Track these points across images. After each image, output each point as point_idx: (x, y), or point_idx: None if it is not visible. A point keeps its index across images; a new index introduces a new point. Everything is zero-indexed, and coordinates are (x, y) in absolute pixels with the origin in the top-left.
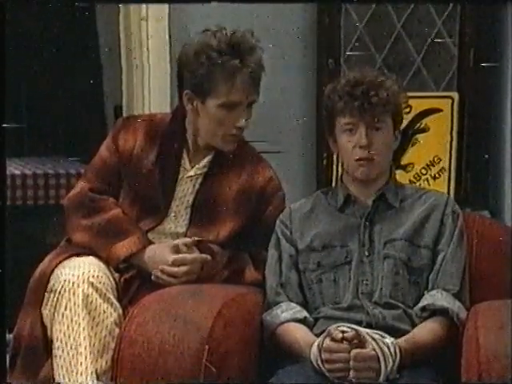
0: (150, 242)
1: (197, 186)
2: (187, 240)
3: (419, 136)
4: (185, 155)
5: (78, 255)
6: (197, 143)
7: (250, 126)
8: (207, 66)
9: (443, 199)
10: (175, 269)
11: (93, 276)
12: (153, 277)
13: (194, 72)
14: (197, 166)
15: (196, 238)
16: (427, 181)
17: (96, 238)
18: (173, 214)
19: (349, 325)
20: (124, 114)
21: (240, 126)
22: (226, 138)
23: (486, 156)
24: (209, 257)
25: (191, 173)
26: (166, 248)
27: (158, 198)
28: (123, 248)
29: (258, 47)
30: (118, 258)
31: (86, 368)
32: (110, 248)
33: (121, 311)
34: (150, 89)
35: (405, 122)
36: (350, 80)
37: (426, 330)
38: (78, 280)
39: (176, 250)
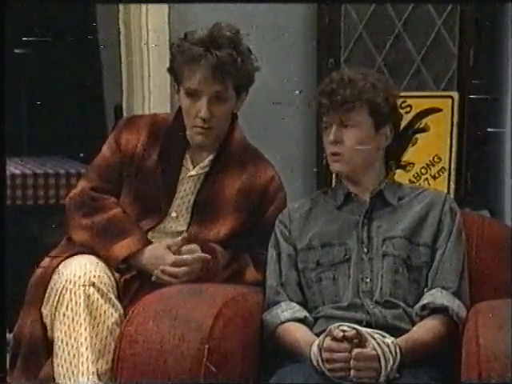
0: (150, 242)
1: (198, 185)
2: (181, 238)
3: (419, 136)
4: (187, 155)
5: (78, 255)
6: (198, 144)
7: (250, 126)
8: (179, 55)
9: (441, 197)
10: (176, 269)
11: (94, 276)
12: (153, 277)
13: (173, 61)
14: (199, 165)
15: (192, 233)
16: (427, 180)
17: (96, 237)
18: (174, 214)
19: (349, 324)
20: (124, 114)
21: (202, 116)
22: (194, 130)
23: (486, 156)
24: (209, 256)
25: (193, 172)
26: (166, 248)
27: (159, 198)
28: (122, 248)
29: (237, 40)
30: (117, 258)
31: (87, 368)
32: (110, 248)
33: (122, 311)
34: (150, 89)
35: (405, 122)
36: (327, 79)
37: (426, 329)
38: (79, 280)
39: (176, 249)
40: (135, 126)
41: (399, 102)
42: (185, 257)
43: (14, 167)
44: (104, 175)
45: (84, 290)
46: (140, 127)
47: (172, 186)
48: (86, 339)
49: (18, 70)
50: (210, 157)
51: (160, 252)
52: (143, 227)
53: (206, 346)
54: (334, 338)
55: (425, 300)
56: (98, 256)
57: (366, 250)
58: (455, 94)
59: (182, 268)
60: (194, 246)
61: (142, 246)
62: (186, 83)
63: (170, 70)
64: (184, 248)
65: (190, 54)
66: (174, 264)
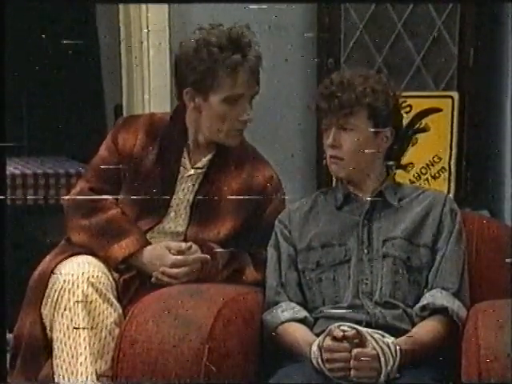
0: (149, 243)
1: (197, 185)
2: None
3: (419, 136)
4: (185, 154)
5: (77, 255)
6: (197, 142)
7: (251, 126)
8: (208, 61)
9: (441, 198)
10: (175, 270)
11: (92, 276)
12: (153, 279)
13: (194, 69)
14: (197, 165)
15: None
16: (427, 180)
17: (95, 238)
18: (173, 213)
19: (349, 324)
20: (124, 114)
21: (245, 119)
22: (231, 133)
23: (486, 156)
24: (208, 256)
25: (191, 172)
26: (166, 249)
27: (159, 198)
28: (121, 249)
29: (255, 40)
30: (116, 259)
31: (86, 368)
32: (109, 248)
33: (121, 311)
34: (150, 89)
35: (405, 122)
36: (326, 81)
37: (426, 330)
38: (77, 280)
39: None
40: (133, 126)
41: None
42: (184, 257)
43: (13, 167)
44: (102, 176)
45: (82, 290)
46: (137, 127)
47: (170, 186)
48: (84, 339)
49: (18, 69)
50: (208, 156)
51: (159, 252)
52: (142, 227)
53: (206, 346)
54: (334, 338)
55: (425, 301)
56: (97, 256)
57: (366, 251)
58: (455, 94)
59: (182, 269)
60: (194, 248)
61: (141, 247)
62: (224, 91)
63: (196, 82)
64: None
65: (228, 63)
66: (174, 265)
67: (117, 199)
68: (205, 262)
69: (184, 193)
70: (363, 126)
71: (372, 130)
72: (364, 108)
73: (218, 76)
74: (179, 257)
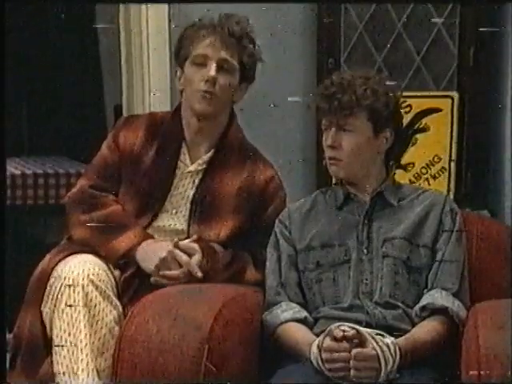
0: (149, 236)
1: (197, 181)
2: (189, 241)
3: (419, 136)
4: (185, 150)
5: (77, 253)
6: (196, 136)
7: (250, 126)
8: (188, 32)
9: (442, 198)
10: (175, 272)
11: (93, 274)
12: (152, 279)
13: (178, 41)
14: (197, 161)
15: (195, 237)
16: (427, 180)
17: (95, 233)
18: (174, 210)
19: (349, 324)
20: (124, 114)
21: (208, 78)
22: (198, 95)
23: (486, 156)
24: (200, 274)
25: (191, 168)
26: (167, 245)
27: (156, 193)
28: (121, 243)
29: (250, 30)
30: (116, 253)
31: (87, 365)
32: (109, 243)
33: (121, 309)
34: (150, 89)
35: (404, 122)
36: (327, 82)
37: (426, 330)
38: (77, 277)
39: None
40: (133, 125)
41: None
42: (181, 253)
43: (14, 167)
44: (103, 173)
45: (82, 287)
46: (138, 125)
47: (169, 182)
48: (85, 336)
49: (18, 70)
50: (209, 153)
51: (160, 245)
52: (142, 223)
53: (206, 346)
54: (334, 338)
55: (425, 301)
56: (98, 255)
57: (365, 251)
58: (455, 94)
59: (180, 270)
60: (193, 246)
61: (142, 240)
62: (193, 52)
63: (177, 51)
64: (184, 243)
65: (201, 24)
66: (170, 253)
67: (117, 197)
68: (205, 262)
69: (184, 189)
70: (363, 127)
71: (371, 131)
72: (364, 109)
73: (191, 41)
74: (177, 251)
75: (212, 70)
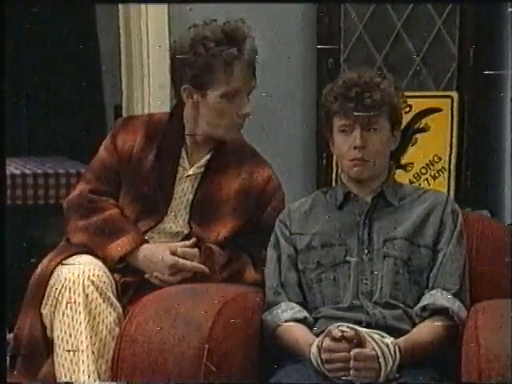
0: (146, 241)
1: (196, 185)
2: (186, 243)
3: (419, 135)
4: (184, 154)
5: (77, 254)
6: (196, 140)
7: (251, 126)
8: (205, 57)
9: (443, 198)
10: (172, 277)
11: (93, 275)
12: (151, 278)
13: (191, 65)
14: (196, 164)
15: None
16: (427, 180)
17: (93, 237)
18: (173, 214)
19: (348, 324)
20: (124, 114)
21: (243, 113)
22: (231, 128)
23: (486, 156)
24: (206, 270)
25: (190, 172)
26: (165, 250)
27: (157, 198)
28: (118, 247)
29: (251, 34)
30: (113, 258)
31: (88, 366)
32: (106, 247)
33: (121, 310)
34: (150, 89)
35: (404, 122)
36: (346, 81)
37: (426, 330)
38: (78, 279)
39: (175, 252)
40: (131, 127)
41: None
42: (183, 262)
43: (14, 167)
44: (102, 177)
45: (83, 289)
46: (136, 127)
47: (169, 186)
48: (86, 337)
49: (18, 70)
50: (207, 157)
51: (158, 252)
52: (142, 227)
53: (206, 346)
54: (333, 338)
55: (425, 301)
56: (97, 257)
57: (366, 250)
58: (455, 94)
59: (178, 275)
60: (193, 250)
61: (138, 245)
62: (222, 86)
63: (193, 78)
64: (183, 250)
65: (224, 57)
66: (172, 266)
67: (117, 200)
68: (205, 262)
69: (183, 192)
70: (386, 126)
71: (390, 131)
72: (388, 108)
73: (215, 71)
74: (178, 259)
75: (247, 105)
